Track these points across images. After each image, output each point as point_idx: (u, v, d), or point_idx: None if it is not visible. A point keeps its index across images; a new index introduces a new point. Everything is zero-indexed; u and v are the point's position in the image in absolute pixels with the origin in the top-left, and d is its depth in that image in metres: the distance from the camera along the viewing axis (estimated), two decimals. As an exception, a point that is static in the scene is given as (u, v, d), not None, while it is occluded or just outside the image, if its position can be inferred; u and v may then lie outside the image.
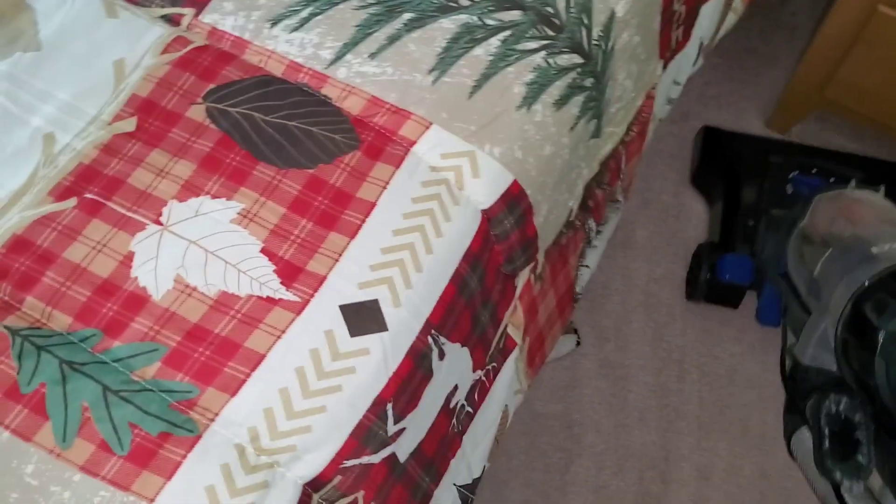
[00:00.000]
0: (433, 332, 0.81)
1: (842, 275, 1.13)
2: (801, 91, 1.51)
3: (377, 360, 0.76)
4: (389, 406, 0.77)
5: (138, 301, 0.75)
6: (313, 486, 0.73)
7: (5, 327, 0.75)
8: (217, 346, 0.74)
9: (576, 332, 1.42)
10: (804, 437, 1.24)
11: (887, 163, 1.53)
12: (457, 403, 0.90)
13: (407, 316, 0.78)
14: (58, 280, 0.77)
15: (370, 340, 0.76)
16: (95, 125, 0.85)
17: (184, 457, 0.70)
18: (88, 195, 0.80)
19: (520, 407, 1.10)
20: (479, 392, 0.94)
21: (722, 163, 1.50)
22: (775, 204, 1.41)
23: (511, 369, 0.99)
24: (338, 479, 0.74)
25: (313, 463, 0.73)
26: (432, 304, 0.80)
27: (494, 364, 0.96)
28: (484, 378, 0.95)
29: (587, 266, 1.14)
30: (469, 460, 0.99)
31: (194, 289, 0.77)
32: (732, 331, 1.44)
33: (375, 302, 0.77)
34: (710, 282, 1.39)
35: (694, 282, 1.42)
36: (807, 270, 1.22)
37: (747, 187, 1.45)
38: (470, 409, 0.94)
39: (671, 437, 1.38)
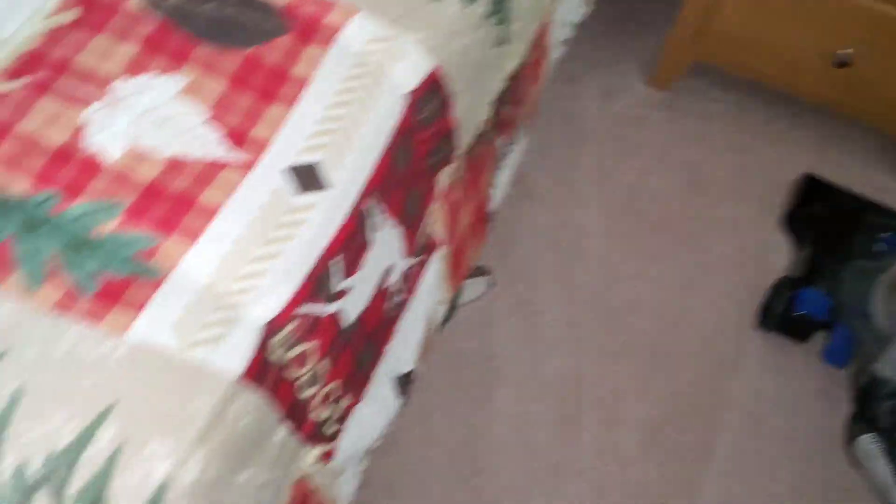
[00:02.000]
0: (371, 198, 0.89)
1: None
2: (678, 45, 1.70)
3: (323, 216, 0.84)
4: (337, 260, 0.85)
5: (93, 166, 0.82)
6: (270, 329, 0.81)
7: (-35, 193, 0.80)
8: (173, 202, 0.81)
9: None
10: (869, 442, 1.36)
11: None
12: (390, 286, 0.99)
13: (347, 178, 0.87)
14: (13, 148, 0.82)
15: (316, 197, 0.85)
16: (38, 16, 0.91)
17: (149, 297, 0.77)
18: (36, 75, 0.86)
19: (440, 344, 1.19)
20: (408, 281, 1.04)
21: (817, 210, 1.61)
22: (862, 256, 1.51)
23: (436, 269, 1.09)
24: (292, 324, 0.82)
25: (269, 305, 0.80)
26: (369, 172, 0.89)
27: (422, 257, 1.06)
28: (414, 268, 1.04)
29: (495, 187, 1.25)
30: (399, 355, 1.08)
31: (146, 155, 0.83)
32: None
33: (318, 164, 0.86)
34: (784, 313, 1.48)
35: (768, 311, 1.51)
36: (891, 317, 1.36)
37: (837, 237, 1.55)
38: (399, 299, 1.04)
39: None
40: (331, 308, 0.87)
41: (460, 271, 1.20)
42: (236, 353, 0.77)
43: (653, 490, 1.42)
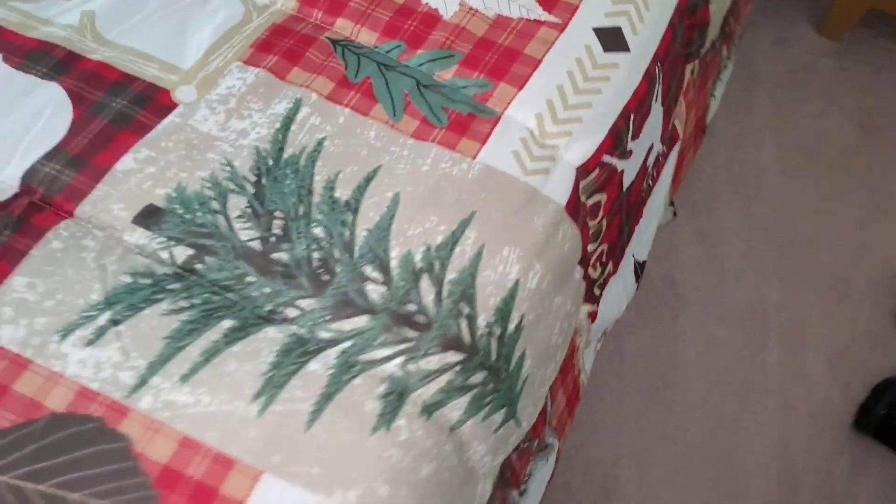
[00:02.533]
0: (658, 64, 0.98)
1: None
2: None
3: (624, 74, 0.94)
4: (632, 116, 0.95)
5: (431, 20, 0.94)
6: (581, 172, 0.91)
7: (326, 38, 0.92)
8: (502, 53, 0.92)
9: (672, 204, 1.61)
10: None
11: None
12: (649, 165, 1.08)
13: (642, 44, 0.96)
14: (362, 4, 0.94)
15: (619, 57, 0.94)
16: None
17: (490, 131, 0.87)
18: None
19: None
20: (657, 167, 1.13)
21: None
22: None
23: (671, 165, 1.18)
24: (596, 171, 0.92)
25: (583, 150, 0.90)
26: (657, 41, 0.98)
27: (667, 147, 1.15)
28: (661, 156, 1.14)
29: (714, 98, 1.32)
30: (641, 239, 1.17)
31: (476, 11, 0.95)
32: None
33: (619, 29, 0.95)
34: (884, 418, 1.37)
35: (868, 412, 1.40)
36: None
37: None
38: (649, 184, 1.13)
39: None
40: (622, 164, 0.96)
41: (680, 175, 1.28)
42: (560, 186, 0.87)
43: (836, 411, 1.48)
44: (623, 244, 1.10)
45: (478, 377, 0.78)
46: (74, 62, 0.89)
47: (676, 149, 1.19)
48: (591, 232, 0.97)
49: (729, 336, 1.54)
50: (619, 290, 1.14)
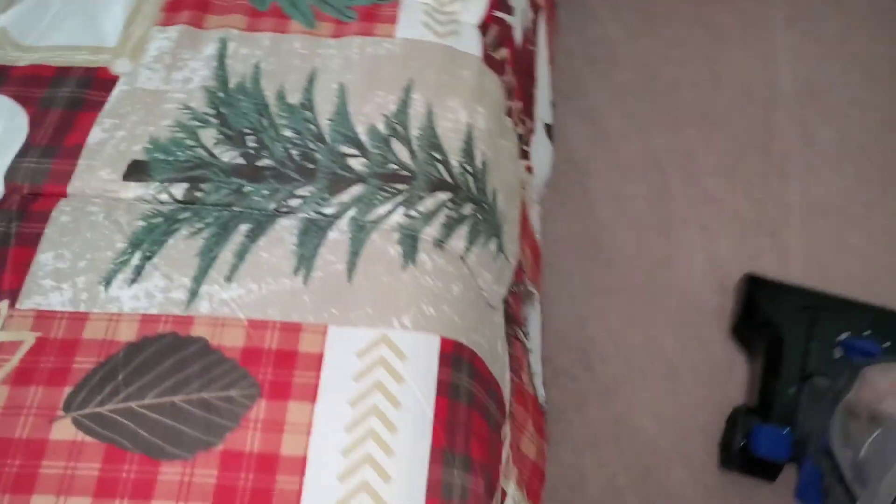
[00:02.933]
0: None
1: (891, 461, 0.98)
2: None
3: None
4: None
5: None
6: (482, 28, 1.02)
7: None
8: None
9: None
10: None
11: None
12: (527, 28, 1.20)
13: None
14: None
15: None
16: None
17: (395, 12, 1.01)
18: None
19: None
20: (532, 31, 1.26)
21: (764, 317, 1.39)
22: (820, 370, 1.30)
23: (543, 30, 1.30)
24: (493, 27, 1.05)
25: (476, 10, 1.03)
26: None
27: (533, 14, 1.28)
28: (532, 21, 1.27)
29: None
30: (543, 101, 1.31)
31: None
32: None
33: None
34: (744, 452, 1.30)
35: (727, 449, 1.33)
36: (852, 451, 1.08)
37: (790, 348, 1.33)
38: (531, 46, 1.26)
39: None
40: (511, 20, 1.10)
41: (552, 48, 1.43)
42: (470, 43, 1.00)
43: (749, 216, 1.67)
44: (530, 104, 1.24)
45: (468, 209, 0.90)
46: (5, 73, 0.95)
47: (542, 19, 1.33)
48: (505, 88, 1.10)
49: (635, 189, 1.71)
50: (542, 150, 1.27)
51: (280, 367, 0.77)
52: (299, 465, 0.73)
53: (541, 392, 1.13)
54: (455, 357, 0.82)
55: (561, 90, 1.78)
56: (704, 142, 1.75)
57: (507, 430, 0.93)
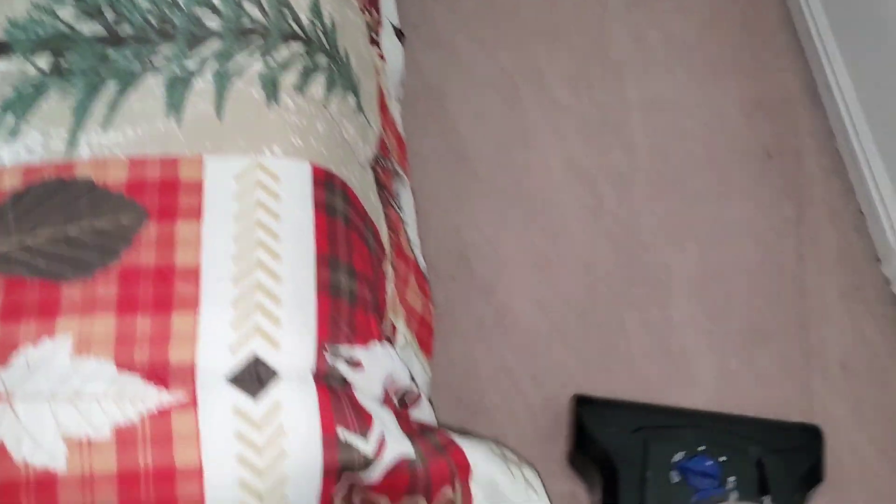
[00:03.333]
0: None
1: None
2: None
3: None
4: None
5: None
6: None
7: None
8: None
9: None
10: None
11: (791, 427, 1.35)
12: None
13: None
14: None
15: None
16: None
17: None
18: None
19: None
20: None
21: (596, 443, 1.27)
22: (659, 497, 1.21)
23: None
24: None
25: None
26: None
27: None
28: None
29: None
30: (388, 5, 1.39)
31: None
32: None
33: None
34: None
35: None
36: None
37: (625, 478, 1.22)
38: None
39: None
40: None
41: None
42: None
43: (595, 118, 1.81)
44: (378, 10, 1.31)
45: (322, 59, 0.97)
46: None
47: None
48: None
49: (491, 105, 1.82)
50: (392, 47, 1.36)
51: (164, 194, 0.82)
52: (194, 273, 0.79)
53: (421, 261, 1.19)
54: (327, 182, 0.88)
55: (410, 21, 1.88)
56: (548, 55, 1.88)
57: (388, 268, 1.00)
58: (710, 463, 1.23)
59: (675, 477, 1.22)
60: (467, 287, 1.58)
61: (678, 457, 1.23)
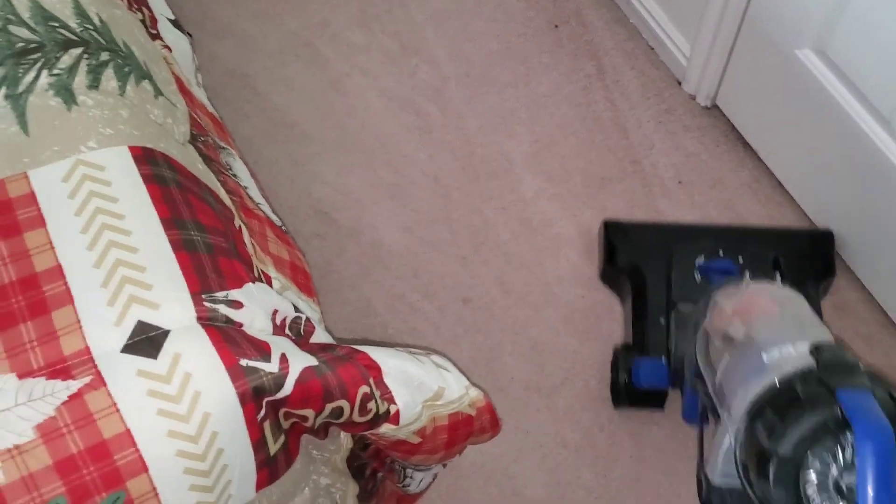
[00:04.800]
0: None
1: (738, 385, 0.99)
2: None
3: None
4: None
5: None
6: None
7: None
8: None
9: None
10: None
11: (804, 232, 1.54)
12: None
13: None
14: None
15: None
16: None
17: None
18: None
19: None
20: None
21: (625, 258, 1.47)
22: (685, 296, 1.37)
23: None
24: None
25: None
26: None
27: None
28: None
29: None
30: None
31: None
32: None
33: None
34: (628, 388, 1.37)
35: (616, 388, 1.41)
36: (713, 373, 1.09)
37: (654, 282, 1.41)
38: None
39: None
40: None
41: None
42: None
43: (393, 46, 1.89)
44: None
45: (104, 55, 1.01)
46: None
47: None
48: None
49: (296, 69, 1.87)
50: (174, 37, 1.39)
51: (1, 216, 0.85)
52: (57, 272, 0.83)
53: (275, 217, 1.23)
54: (148, 157, 0.93)
55: (193, 20, 1.91)
56: (331, 6, 1.95)
57: (240, 224, 1.06)
58: (728, 263, 1.38)
59: (697, 277, 1.38)
60: (336, 239, 1.65)
61: (700, 260, 1.39)
